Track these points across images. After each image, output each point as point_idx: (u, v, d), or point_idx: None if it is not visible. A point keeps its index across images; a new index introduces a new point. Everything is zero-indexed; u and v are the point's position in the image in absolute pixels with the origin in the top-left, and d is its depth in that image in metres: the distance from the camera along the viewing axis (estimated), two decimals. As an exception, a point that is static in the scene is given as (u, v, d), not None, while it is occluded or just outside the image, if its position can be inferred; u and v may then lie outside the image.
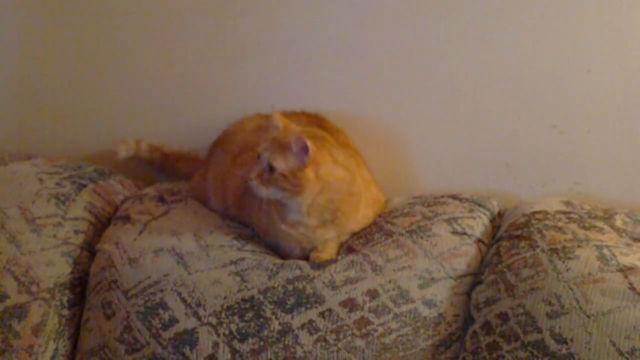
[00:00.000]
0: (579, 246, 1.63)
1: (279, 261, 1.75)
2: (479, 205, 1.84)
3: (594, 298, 1.53)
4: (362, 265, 1.71)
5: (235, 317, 1.67)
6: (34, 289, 1.79)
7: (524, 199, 1.92)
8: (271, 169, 1.66)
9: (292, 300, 1.67)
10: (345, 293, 1.67)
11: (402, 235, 1.76)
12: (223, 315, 1.68)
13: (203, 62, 2.14)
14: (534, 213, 1.76)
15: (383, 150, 2.03)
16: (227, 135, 1.97)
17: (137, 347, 1.70)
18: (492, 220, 1.83)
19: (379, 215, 1.84)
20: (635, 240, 1.66)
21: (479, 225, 1.79)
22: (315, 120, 1.88)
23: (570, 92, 1.91)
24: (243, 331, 1.66)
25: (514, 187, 1.97)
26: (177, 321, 1.69)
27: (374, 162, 1.93)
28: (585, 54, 1.89)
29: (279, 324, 1.65)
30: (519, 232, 1.72)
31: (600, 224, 1.71)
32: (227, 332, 1.66)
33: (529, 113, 1.94)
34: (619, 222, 1.72)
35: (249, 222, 1.86)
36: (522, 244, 1.68)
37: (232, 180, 1.88)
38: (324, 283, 1.68)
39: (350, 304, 1.66)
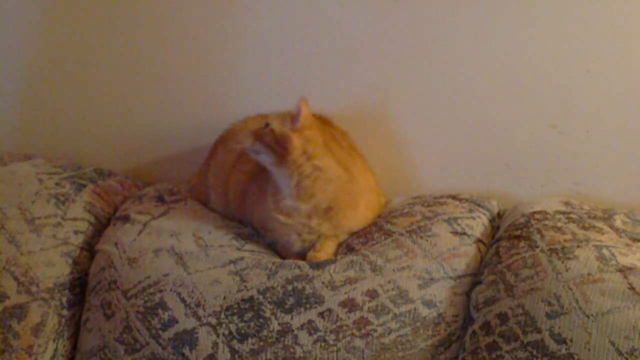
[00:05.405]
0: (578, 246, 1.62)
1: (278, 260, 1.75)
2: (479, 205, 1.83)
3: (593, 298, 1.53)
4: (362, 266, 1.71)
5: (235, 317, 1.67)
6: (33, 289, 1.79)
7: (523, 199, 1.92)
8: (266, 126, 1.72)
9: (291, 300, 1.67)
10: (345, 293, 1.67)
11: (402, 235, 1.76)
12: (222, 315, 1.67)
13: (203, 62, 2.13)
14: (533, 213, 1.76)
15: (383, 150, 2.03)
16: (228, 135, 1.98)
17: (137, 347, 1.70)
18: (491, 221, 1.83)
19: (379, 215, 1.84)
20: (635, 240, 1.66)
21: (478, 225, 1.79)
22: (320, 122, 1.88)
23: (570, 92, 1.91)
24: (242, 331, 1.66)
25: (513, 187, 1.96)
26: (177, 321, 1.69)
27: (374, 162, 1.93)
28: (585, 54, 1.89)
29: (279, 324, 1.65)
30: (518, 233, 1.71)
31: (599, 224, 1.70)
32: (226, 332, 1.66)
33: (529, 113, 1.94)
34: (618, 223, 1.72)
35: (249, 220, 1.86)
36: (522, 244, 1.68)
37: (234, 178, 1.88)
38: (323, 283, 1.68)
39: (349, 304, 1.66)
